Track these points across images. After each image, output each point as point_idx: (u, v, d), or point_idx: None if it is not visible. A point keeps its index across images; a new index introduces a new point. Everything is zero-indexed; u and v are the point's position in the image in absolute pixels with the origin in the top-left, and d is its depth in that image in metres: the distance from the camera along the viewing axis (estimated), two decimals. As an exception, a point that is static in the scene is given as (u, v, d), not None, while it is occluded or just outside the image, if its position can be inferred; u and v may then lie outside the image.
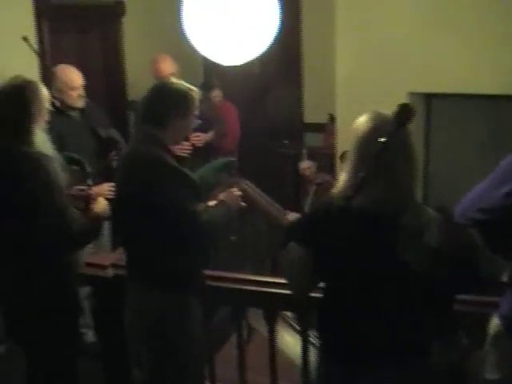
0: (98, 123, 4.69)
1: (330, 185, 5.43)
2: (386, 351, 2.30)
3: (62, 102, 4.40)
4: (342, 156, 6.09)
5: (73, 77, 4.52)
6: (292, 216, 5.22)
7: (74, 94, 4.50)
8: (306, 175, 5.62)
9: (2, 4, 4.88)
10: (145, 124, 3.04)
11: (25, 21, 5.14)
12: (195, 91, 3.08)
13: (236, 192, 3.20)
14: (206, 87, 5.88)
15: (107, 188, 4.11)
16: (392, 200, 2.24)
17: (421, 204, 2.33)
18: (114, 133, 4.76)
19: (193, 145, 4.95)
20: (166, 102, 3.00)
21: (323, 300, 2.47)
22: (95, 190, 3.76)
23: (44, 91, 3.21)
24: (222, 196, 3.17)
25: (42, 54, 5.15)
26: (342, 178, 2.32)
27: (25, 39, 4.74)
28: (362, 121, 2.34)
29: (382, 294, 2.27)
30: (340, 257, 2.29)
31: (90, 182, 3.71)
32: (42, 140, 3.15)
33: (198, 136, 5.16)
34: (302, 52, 7.10)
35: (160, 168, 2.90)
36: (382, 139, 2.09)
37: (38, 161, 3.04)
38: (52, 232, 3.07)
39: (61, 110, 4.40)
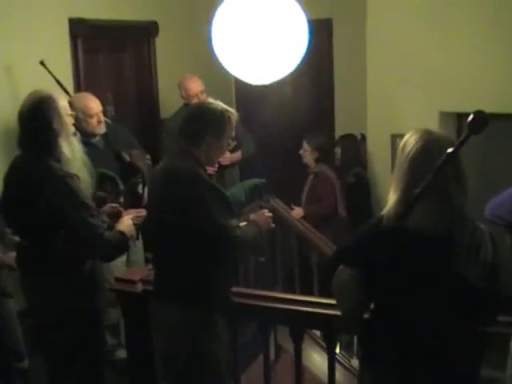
0: (123, 145, 4.64)
1: (327, 176, 5.44)
2: (441, 370, 2.28)
3: (82, 130, 4.28)
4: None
5: (89, 104, 4.42)
6: (296, 212, 5.24)
7: (93, 120, 4.42)
8: (304, 161, 5.63)
9: (38, 25, 4.99)
10: (180, 141, 3.09)
11: (60, 41, 5.24)
12: (232, 112, 3.10)
13: (267, 213, 3.22)
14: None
15: (134, 213, 4.11)
16: (447, 217, 2.21)
17: (472, 219, 2.29)
18: (138, 155, 4.67)
19: (219, 163, 4.95)
20: (201, 121, 3.04)
21: (374, 321, 2.43)
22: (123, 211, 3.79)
23: (62, 103, 3.24)
24: (252, 216, 3.19)
25: (73, 77, 5.20)
26: (392, 197, 2.29)
27: (42, 64, 4.74)
28: (412, 139, 2.28)
29: (437, 313, 2.24)
30: (394, 276, 2.25)
31: (121, 199, 3.74)
32: (69, 151, 3.20)
33: (225, 157, 5.12)
34: (333, 73, 7.11)
35: (195, 182, 2.93)
36: (450, 150, 2.03)
37: (61, 178, 3.11)
38: (77, 245, 3.14)
39: (82, 140, 4.10)
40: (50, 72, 4.76)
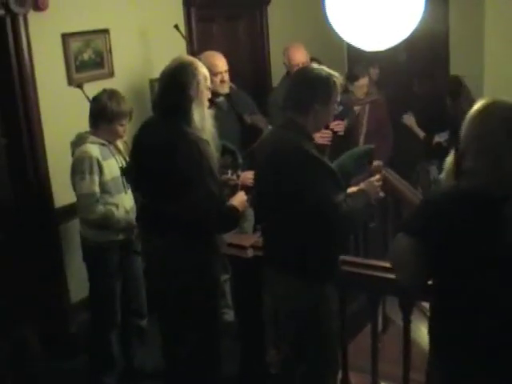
0: (244, 109, 4.71)
1: (383, 102, 5.68)
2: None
3: None
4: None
5: (215, 62, 4.51)
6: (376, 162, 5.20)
7: (217, 79, 4.47)
8: (363, 91, 5.74)
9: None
10: (287, 110, 3.04)
11: (175, 10, 5.32)
12: (337, 77, 3.04)
13: (376, 182, 3.14)
14: (350, 78, 5.76)
15: (251, 176, 4.16)
16: (496, 182, 2.13)
17: None
18: (260, 119, 4.74)
19: (334, 132, 4.89)
20: (307, 89, 2.99)
21: (439, 306, 2.38)
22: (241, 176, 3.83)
23: (202, 71, 3.30)
24: (362, 185, 3.13)
25: (190, 41, 5.28)
26: (447, 162, 2.31)
27: (176, 27, 4.89)
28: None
29: (496, 292, 2.14)
30: (448, 248, 2.19)
31: (239, 172, 3.78)
32: (201, 118, 3.26)
33: (339, 124, 5.04)
34: (449, 40, 6.88)
35: (301, 158, 2.89)
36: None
37: (193, 142, 3.16)
38: (200, 211, 3.19)
39: None
40: (182, 34, 4.96)
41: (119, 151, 3.89)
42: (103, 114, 3.72)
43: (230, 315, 4.52)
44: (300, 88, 3.02)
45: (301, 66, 5.22)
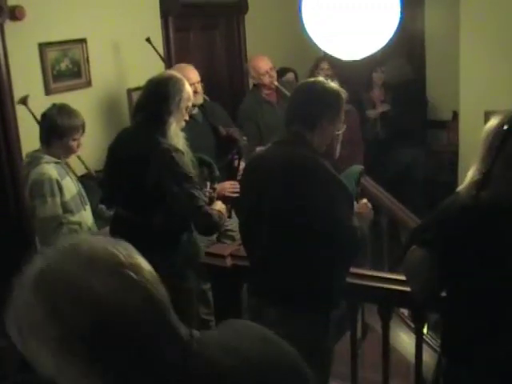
0: (218, 121, 4.72)
1: (354, 112, 5.66)
2: None
3: None
4: None
5: (187, 74, 4.43)
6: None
7: None
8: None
9: (130, 5, 5.06)
10: (291, 124, 2.85)
11: (152, 20, 5.31)
12: (345, 93, 2.91)
13: (368, 203, 3.05)
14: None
15: (229, 186, 4.17)
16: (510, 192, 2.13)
17: None
18: (234, 130, 4.74)
19: None
20: (317, 103, 2.81)
21: (450, 304, 2.37)
22: (218, 188, 3.83)
23: (187, 89, 3.37)
24: (358, 208, 2.97)
25: (164, 55, 5.24)
26: (469, 175, 2.26)
27: (147, 40, 4.88)
28: (494, 118, 2.25)
29: (506, 299, 2.15)
30: (469, 257, 2.18)
31: (216, 184, 3.78)
32: (175, 133, 3.29)
33: None
34: (424, 49, 6.96)
35: (325, 176, 2.73)
36: (505, 127, 2.01)
37: (167, 151, 3.18)
38: (178, 217, 3.22)
39: None
40: (154, 48, 4.91)
41: (69, 168, 3.80)
42: (54, 130, 3.60)
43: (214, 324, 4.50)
44: (309, 102, 2.83)
45: (269, 72, 5.29)
